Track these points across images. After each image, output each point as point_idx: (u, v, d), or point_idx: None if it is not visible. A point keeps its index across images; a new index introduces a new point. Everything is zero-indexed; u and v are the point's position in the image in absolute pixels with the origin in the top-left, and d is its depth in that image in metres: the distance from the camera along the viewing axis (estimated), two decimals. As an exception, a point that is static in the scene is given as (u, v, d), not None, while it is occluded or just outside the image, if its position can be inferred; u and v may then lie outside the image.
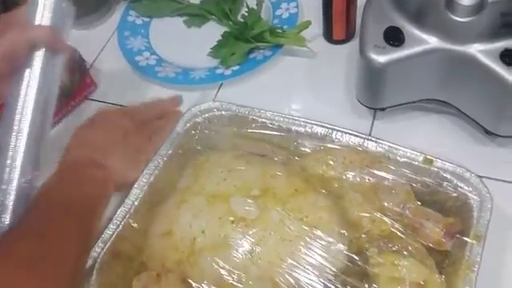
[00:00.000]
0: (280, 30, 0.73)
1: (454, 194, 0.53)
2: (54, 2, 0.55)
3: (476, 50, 0.54)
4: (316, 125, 0.59)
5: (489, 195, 0.52)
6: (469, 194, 0.52)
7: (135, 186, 0.58)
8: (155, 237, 0.56)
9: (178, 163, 0.60)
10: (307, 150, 0.59)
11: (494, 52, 0.54)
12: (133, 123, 0.61)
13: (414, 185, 0.55)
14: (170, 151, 0.60)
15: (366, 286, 0.50)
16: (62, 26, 0.56)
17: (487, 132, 0.61)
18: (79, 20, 0.81)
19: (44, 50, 0.55)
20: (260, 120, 0.61)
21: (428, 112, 0.65)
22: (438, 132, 0.64)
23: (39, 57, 0.55)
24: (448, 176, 0.54)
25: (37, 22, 0.55)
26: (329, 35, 0.74)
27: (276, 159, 0.59)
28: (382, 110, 0.65)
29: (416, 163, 0.55)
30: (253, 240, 0.52)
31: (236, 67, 0.72)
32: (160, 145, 0.60)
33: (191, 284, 0.52)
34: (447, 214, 0.53)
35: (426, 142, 0.61)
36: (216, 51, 0.73)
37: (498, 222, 0.53)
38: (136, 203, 0.57)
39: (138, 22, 0.79)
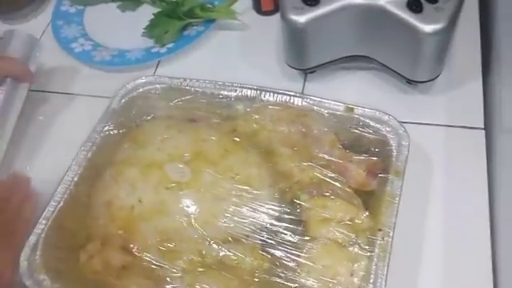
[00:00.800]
0: (210, 5, 0.75)
1: (375, 137, 0.56)
2: (25, 37, 0.68)
3: (385, 1, 0.57)
4: (245, 88, 0.62)
5: (406, 134, 0.55)
6: (388, 135, 0.56)
7: (73, 162, 0.59)
8: (96, 209, 0.57)
9: (115, 138, 0.61)
10: (239, 112, 0.62)
11: (401, 1, 0.57)
12: None
13: (339, 132, 0.58)
14: (107, 127, 0.61)
15: (300, 230, 0.53)
16: (29, 58, 0.68)
17: (409, 81, 0.64)
18: (13, 14, 0.82)
19: (10, 79, 0.64)
20: (192, 90, 0.63)
21: (355, 70, 0.69)
22: (365, 87, 0.67)
23: (5, 86, 0.64)
24: (368, 121, 0.57)
25: (8, 54, 0.65)
26: (258, 7, 0.76)
27: (209, 125, 0.61)
28: (312, 72, 0.68)
29: (339, 113, 0.58)
30: (188, 203, 0.54)
31: (171, 45, 0.74)
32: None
33: (133, 251, 0.53)
34: (371, 156, 0.56)
35: (353, 97, 0.63)
36: (150, 31, 0.75)
37: (419, 159, 0.57)
38: (76, 179, 0.58)
39: (72, 10, 0.80)
